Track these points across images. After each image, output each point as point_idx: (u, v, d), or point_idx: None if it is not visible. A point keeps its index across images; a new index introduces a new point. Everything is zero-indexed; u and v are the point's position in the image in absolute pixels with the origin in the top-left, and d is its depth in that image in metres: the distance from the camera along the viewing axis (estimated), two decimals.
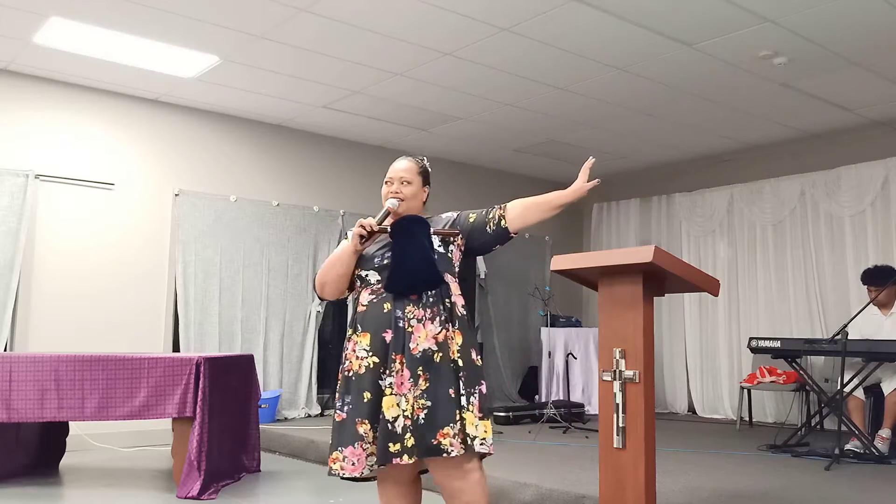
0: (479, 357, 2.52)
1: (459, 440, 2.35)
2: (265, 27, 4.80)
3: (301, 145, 7.11)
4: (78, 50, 5.21)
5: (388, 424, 2.37)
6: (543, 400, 7.22)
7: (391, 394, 2.40)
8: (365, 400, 2.42)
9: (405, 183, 2.67)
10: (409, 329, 2.44)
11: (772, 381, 6.34)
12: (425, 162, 2.78)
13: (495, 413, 6.56)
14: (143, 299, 6.12)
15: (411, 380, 2.40)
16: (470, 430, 2.37)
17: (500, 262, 8.00)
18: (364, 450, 2.39)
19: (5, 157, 5.57)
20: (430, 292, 2.47)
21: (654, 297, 2.84)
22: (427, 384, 2.39)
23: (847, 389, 4.94)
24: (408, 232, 2.53)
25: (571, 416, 6.49)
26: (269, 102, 6.33)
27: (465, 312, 2.54)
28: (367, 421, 2.40)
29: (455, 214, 2.66)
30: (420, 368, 2.40)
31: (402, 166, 2.70)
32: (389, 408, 2.38)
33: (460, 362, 2.43)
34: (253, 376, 4.99)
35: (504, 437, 5.70)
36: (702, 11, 4.47)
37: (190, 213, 6.34)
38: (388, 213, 2.62)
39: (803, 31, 4.71)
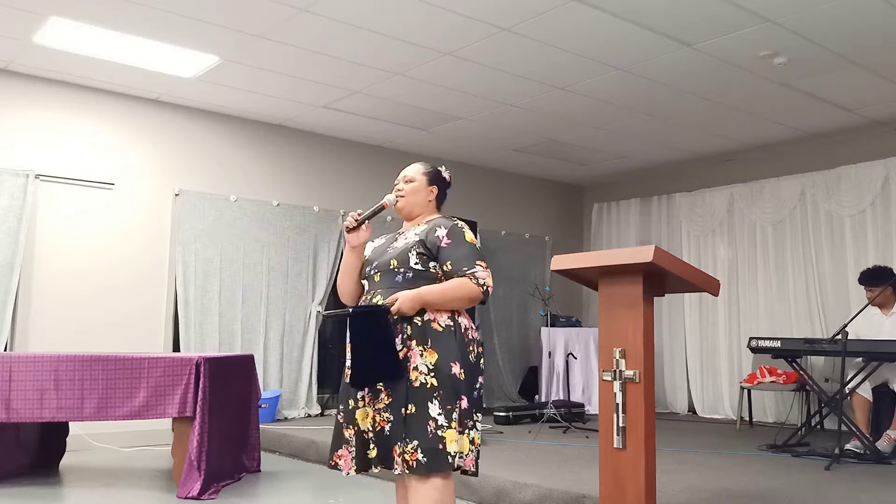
0: (463, 370, 2.43)
1: (402, 459, 2.34)
2: (265, 27, 4.80)
3: (301, 145, 7.11)
4: (78, 50, 5.21)
5: (364, 434, 2.46)
6: (543, 400, 7.22)
7: (363, 406, 2.47)
8: (350, 407, 2.51)
9: (408, 181, 2.69)
10: None
11: (772, 381, 6.34)
12: (440, 167, 2.76)
13: (495, 413, 6.57)
14: (143, 299, 6.12)
15: (371, 393, 2.45)
16: (451, 447, 2.36)
17: (500, 262, 8.00)
18: (349, 452, 2.49)
19: (5, 157, 5.57)
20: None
21: (654, 297, 2.84)
22: (389, 399, 2.40)
23: (847, 389, 4.94)
24: (365, 323, 2.43)
25: (571, 416, 6.49)
26: (270, 102, 6.33)
27: (448, 325, 2.45)
28: (352, 426, 2.49)
29: (445, 232, 2.52)
30: (380, 384, 2.42)
31: (410, 167, 2.73)
32: (363, 419, 2.47)
33: (434, 381, 2.39)
34: (253, 376, 4.99)
35: (504, 437, 5.70)
36: (702, 11, 4.47)
37: (190, 213, 6.34)
38: (382, 208, 2.65)
39: (803, 31, 4.71)
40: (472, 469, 2.45)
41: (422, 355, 2.41)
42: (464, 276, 2.46)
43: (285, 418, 6.60)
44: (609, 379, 2.79)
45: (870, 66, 5.27)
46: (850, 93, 5.83)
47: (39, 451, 4.89)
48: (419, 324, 2.44)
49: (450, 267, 2.48)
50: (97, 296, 5.89)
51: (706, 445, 5.45)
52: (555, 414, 6.43)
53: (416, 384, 2.39)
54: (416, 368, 2.40)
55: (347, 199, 7.29)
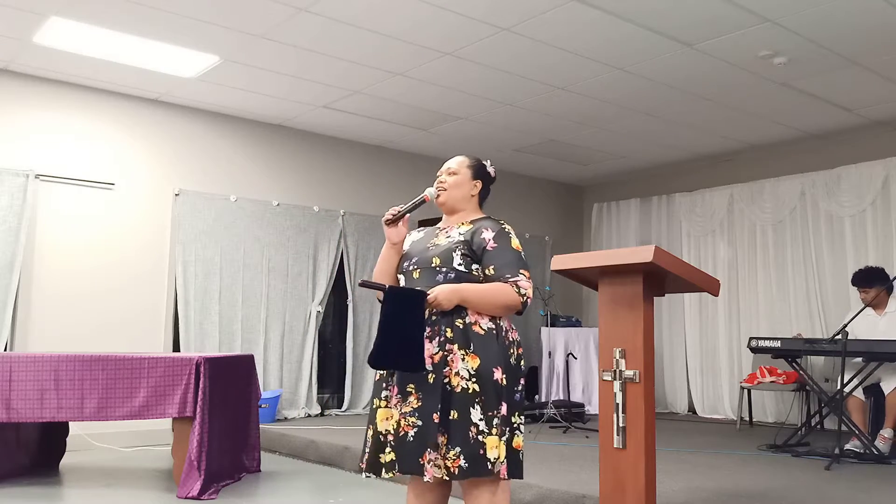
0: (504, 375, 2.36)
1: (434, 465, 2.28)
2: (265, 27, 4.80)
3: (301, 145, 7.11)
4: (78, 50, 5.21)
5: (380, 436, 2.40)
6: (543, 400, 7.21)
7: (385, 406, 2.41)
8: (374, 406, 2.46)
9: (451, 174, 2.58)
10: None
11: (772, 381, 6.33)
12: (485, 161, 2.66)
13: None
14: (143, 299, 6.12)
15: (399, 395, 2.36)
16: (491, 453, 2.28)
17: None
18: (366, 452, 2.43)
19: (5, 157, 5.57)
20: (434, 309, 2.37)
21: (654, 297, 2.84)
22: (419, 403, 2.32)
23: (847, 389, 4.94)
24: (399, 304, 2.34)
25: (571, 416, 6.49)
26: (269, 102, 6.33)
27: (490, 328, 2.38)
28: (371, 426, 2.44)
29: (491, 235, 2.47)
30: (410, 386, 2.35)
31: (453, 160, 2.64)
32: (382, 420, 2.40)
33: (476, 387, 2.31)
34: (253, 376, 4.99)
35: None
36: (702, 11, 4.47)
37: (190, 213, 6.34)
38: (423, 201, 2.54)
39: (803, 31, 4.71)
40: (508, 475, 2.36)
41: (463, 360, 2.33)
42: (506, 282, 2.39)
43: (285, 418, 6.60)
44: (609, 379, 2.79)
45: (870, 66, 5.27)
46: (850, 93, 5.83)
47: (39, 451, 4.89)
48: (461, 326, 2.36)
49: (492, 272, 2.41)
50: (97, 296, 5.89)
51: (706, 445, 5.45)
52: (555, 414, 6.42)
53: (458, 390, 2.31)
54: (457, 374, 2.32)
55: (347, 199, 7.30)
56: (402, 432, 2.33)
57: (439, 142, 7.32)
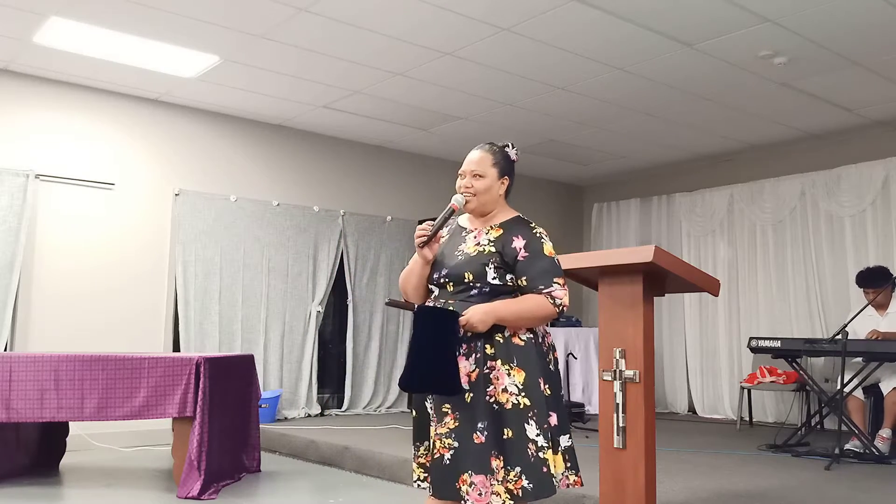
0: (548, 385, 2.28)
1: (480, 492, 2.15)
2: (265, 27, 4.80)
3: (301, 145, 7.11)
4: (78, 50, 5.21)
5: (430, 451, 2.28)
6: None
7: (432, 422, 2.29)
8: (413, 414, 2.40)
9: (477, 177, 2.40)
10: None
11: (772, 381, 6.33)
12: (509, 149, 2.50)
13: None
14: (143, 299, 6.12)
15: (435, 416, 2.26)
16: (556, 470, 2.21)
17: None
18: (422, 468, 2.38)
19: (5, 157, 5.57)
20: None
21: (654, 297, 2.84)
22: (456, 423, 2.20)
23: (847, 389, 4.94)
24: (431, 324, 2.21)
25: (571, 415, 6.49)
26: (269, 102, 6.33)
27: (529, 338, 2.29)
28: (415, 436, 2.39)
29: (523, 244, 2.34)
30: (446, 406, 2.23)
31: (475, 157, 2.45)
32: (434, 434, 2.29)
33: (526, 401, 2.21)
34: (253, 376, 4.99)
35: None
36: (702, 11, 4.47)
37: (190, 213, 6.34)
38: (452, 212, 2.36)
39: (803, 31, 4.71)
40: (574, 480, 2.29)
41: (509, 374, 2.23)
42: (540, 294, 2.28)
43: (285, 418, 6.60)
44: (609, 379, 2.79)
45: (870, 66, 5.27)
46: (850, 93, 5.82)
47: (39, 451, 4.89)
48: (501, 340, 2.26)
49: (525, 283, 2.30)
50: (97, 296, 5.89)
51: (706, 445, 5.45)
52: None
53: (509, 406, 2.20)
54: (504, 390, 2.22)
55: (347, 199, 7.30)
56: (438, 454, 2.21)
57: (439, 142, 7.32)
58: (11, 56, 5.36)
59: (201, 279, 6.32)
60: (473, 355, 2.25)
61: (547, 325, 2.43)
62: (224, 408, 4.46)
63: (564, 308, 2.33)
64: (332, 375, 7.31)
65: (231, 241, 6.53)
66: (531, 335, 2.31)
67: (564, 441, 2.30)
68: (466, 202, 2.40)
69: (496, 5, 4.44)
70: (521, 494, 2.15)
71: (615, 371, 2.77)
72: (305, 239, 6.98)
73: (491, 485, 2.16)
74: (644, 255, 2.62)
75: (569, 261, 2.88)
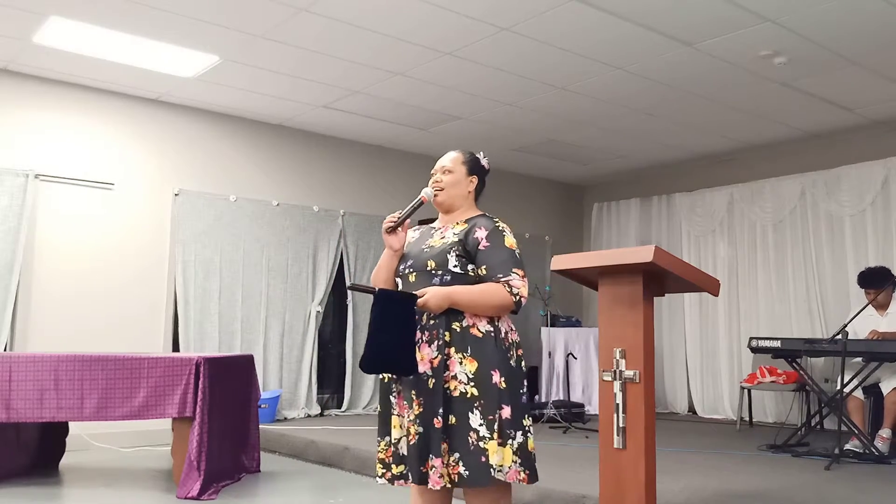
0: (503, 378, 2.32)
1: (439, 474, 2.24)
2: (265, 27, 4.80)
3: (301, 145, 7.11)
4: (78, 50, 5.21)
5: (393, 446, 2.38)
6: (543, 400, 7.22)
7: (395, 414, 2.39)
8: (378, 409, 2.47)
9: (446, 172, 2.54)
10: None
11: (772, 381, 6.33)
12: (480, 156, 2.63)
13: None
14: (143, 299, 6.12)
15: (405, 402, 2.35)
16: (493, 459, 2.24)
17: None
18: (383, 462, 2.43)
19: (5, 157, 5.57)
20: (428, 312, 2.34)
21: (654, 297, 2.84)
22: (420, 409, 2.29)
23: (847, 389, 4.94)
24: (389, 307, 2.30)
25: (571, 416, 6.49)
26: (269, 102, 6.33)
27: (488, 331, 2.34)
28: (388, 437, 2.43)
29: (484, 234, 2.42)
30: (413, 392, 2.32)
31: (447, 156, 2.59)
32: (394, 428, 2.39)
33: (474, 391, 2.28)
34: (253, 376, 4.99)
35: None
36: (702, 11, 4.47)
37: (190, 212, 6.34)
38: (420, 203, 2.49)
39: (803, 31, 4.71)
40: (522, 477, 2.32)
41: (461, 363, 2.30)
42: (498, 282, 2.35)
43: (285, 418, 6.60)
44: (609, 379, 2.79)
45: (870, 66, 5.27)
46: (850, 93, 5.82)
47: (39, 451, 4.88)
48: (458, 330, 2.33)
49: (485, 272, 2.37)
50: (97, 296, 5.89)
51: (706, 445, 5.45)
52: (555, 414, 6.42)
53: (456, 394, 2.28)
54: (455, 377, 2.29)
55: (347, 199, 7.30)
56: (412, 440, 2.29)
57: (439, 142, 7.32)
58: (11, 56, 5.36)
59: (201, 279, 6.32)
60: (436, 342, 2.33)
61: (511, 322, 2.47)
62: (224, 408, 4.46)
63: (522, 299, 2.37)
64: (331, 375, 7.31)
65: (231, 241, 6.53)
66: (491, 328, 2.36)
67: (519, 437, 2.32)
68: (435, 195, 2.53)
69: (496, 5, 4.44)
70: (457, 480, 2.24)
71: (615, 371, 2.77)
72: (305, 239, 6.98)
73: (438, 465, 2.25)
74: (644, 255, 2.61)
75: (569, 261, 2.88)
